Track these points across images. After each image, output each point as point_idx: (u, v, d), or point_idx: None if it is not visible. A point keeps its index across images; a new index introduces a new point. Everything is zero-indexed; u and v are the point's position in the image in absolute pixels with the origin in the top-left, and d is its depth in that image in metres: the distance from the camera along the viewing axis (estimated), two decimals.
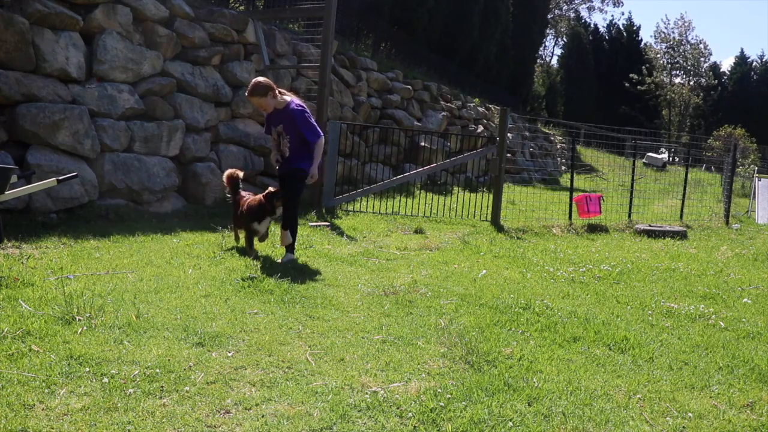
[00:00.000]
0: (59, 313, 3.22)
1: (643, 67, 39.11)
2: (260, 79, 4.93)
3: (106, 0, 6.53)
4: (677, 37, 42.58)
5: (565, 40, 40.21)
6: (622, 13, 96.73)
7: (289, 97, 4.97)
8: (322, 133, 4.96)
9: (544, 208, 9.61)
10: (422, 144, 12.65)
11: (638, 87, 38.23)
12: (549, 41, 43.44)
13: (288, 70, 9.39)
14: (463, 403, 2.59)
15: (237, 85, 8.36)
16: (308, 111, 4.97)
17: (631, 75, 38.28)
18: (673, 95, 39.89)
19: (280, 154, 5.05)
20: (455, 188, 12.46)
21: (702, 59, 42.49)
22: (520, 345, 3.38)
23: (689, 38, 42.72)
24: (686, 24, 43.03)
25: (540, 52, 35.43)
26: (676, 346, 3.62)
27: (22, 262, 4.32)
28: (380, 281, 4.69)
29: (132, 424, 2.25)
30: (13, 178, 4.51)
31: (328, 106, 8.63)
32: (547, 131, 22.86)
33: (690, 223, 10.14)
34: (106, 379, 2.56)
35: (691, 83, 41.83)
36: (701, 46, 42.63)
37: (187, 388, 2.55)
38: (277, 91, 4.95)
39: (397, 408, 2.52)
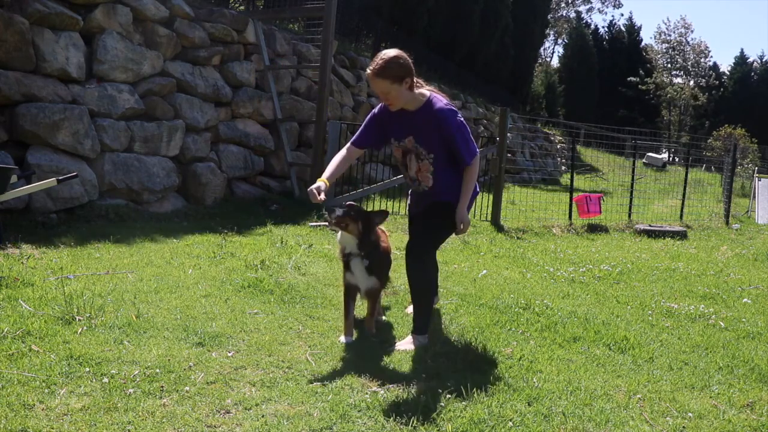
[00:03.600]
0: (59, 313, 3.22)
1: (647, 65, 39.15)
2: (393, 53, 3.07)
3: (106, 0, 6.53)
4: (678, 38, 42.59)
5: (566, 40, 40.22)
6: (622, 14, 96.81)
7: (428, 92, 3.22)
8: (477, 150, 3.24)
9: (544, 208, 9.61)
10: None
11: (640, 87, 38.25)
12: (549, 41, 43.45)
13: (288, 70, 9.39)
14: (463, 403, 2.59)
15: (237, 85, 8.36)
16: (461, 115, 3.22)
17: (630, 78, 38.29)
18: (674, 95, 39.88)
19: (411, 180, 3.36)
20: None
21: (702, 60, 42.51)
22: (520, 345, 3.38)
23: (689, 39, 42.73)
24: (687, 25, 43.04)
25: (540, 52, 35.40)
26: (676, 346, 3.62)
27: (22, 262, 4.32)
28: None
29: (132, 424, 2.25)
30: (13, 178, 4.52)
31: (328, 106, 8.63)
32: (547, 131, 22.85)
33: (690, 223, 10.14)
34: (106, 379, 2.56)
35: (691, 83, 41.84)
36: (701, 47, 42.65)
37: (187, 388, 2.54)
38: (414, 82, 3.15)
39: (397, 408, 2.52)
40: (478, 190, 3.44)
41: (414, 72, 3.11)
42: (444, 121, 3.11)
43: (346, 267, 3.29)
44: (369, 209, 3.68)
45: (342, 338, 3.26)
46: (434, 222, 3.28)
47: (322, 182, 3.12)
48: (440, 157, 3.19)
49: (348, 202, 3.26)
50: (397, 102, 3.13)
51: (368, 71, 3.08)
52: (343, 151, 3.35)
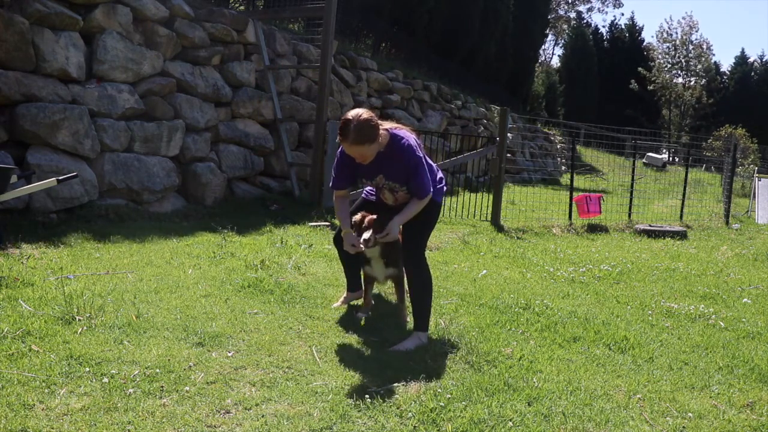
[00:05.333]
0: (59, 313, 3.22)
1: (651, 63, 39.13)
2: (365, 115, 3.10)
3: (106, 0, 6.53)
4: (682, 37, 42.44)
5: (566, 40, 40.21)
6: (623, 14, 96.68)
7: (387, 130, 3.27)
8: (431, 189, 3.33)
9: (544, 208, 9.61)
10: (422, 144, 12.64)
11: (649, 87, 38.23)
12: (549, 41, 43.46)
13: (288, 70, 9.39)
14: (463, 403, 2.59)
15: (237, 85, 8.36)
16: (421, 147, 3.35)
17: (639, 69, 38.18)
18: (683, 92, 39.76)
19: (387, 203, 3.54)
20: (455, 188, 12.46)
21: (704, 59, 42.44)
22: (520, 345, 3.38)
23: (692, 38, 42.60)
24: (693, 24, 42.82)
25: (540, 52, 35.40)
26: (676, 346, 3.62)
27: (22, 262, 4.32)
28: None
29: (132, 424, 2.25)
30: (13, 178, 4.52)
31: (328, 106, 8.63)
32: (547, 131, 22.85)
33: (690, 223, 10.14)
34: (106, 379, 2.56)
35: (692, 82, 41.79)
36: (704, 46, 42.58)
37: (187, 388, 2.55)
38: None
39: (397, 408, 2.52)
40: (443, 189, 3.52)
41: (377, 121, 3.17)
42: (406, 154, 3.21)
43: (366, 262, 3.61)
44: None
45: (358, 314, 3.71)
46: (423, 223, 3.40)
47: (350, 231, 3.36)
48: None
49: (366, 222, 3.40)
50: (371, 157, 3.20)
51: (342, 140, 3.11)
52: (338, 200, 3.48)
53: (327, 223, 7.06)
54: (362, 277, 3.81)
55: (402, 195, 3.39)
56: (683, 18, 51.19)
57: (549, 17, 33.13)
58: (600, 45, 40.83)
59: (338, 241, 3.70)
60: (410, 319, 3.55)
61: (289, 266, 4.83)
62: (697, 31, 50.00)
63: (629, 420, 2.59)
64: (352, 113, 3.12)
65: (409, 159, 3.21)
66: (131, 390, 2.48)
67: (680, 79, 42.02)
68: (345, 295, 3.98)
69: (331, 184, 3.45)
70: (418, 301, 3.38)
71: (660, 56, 42.29)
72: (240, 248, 5.40)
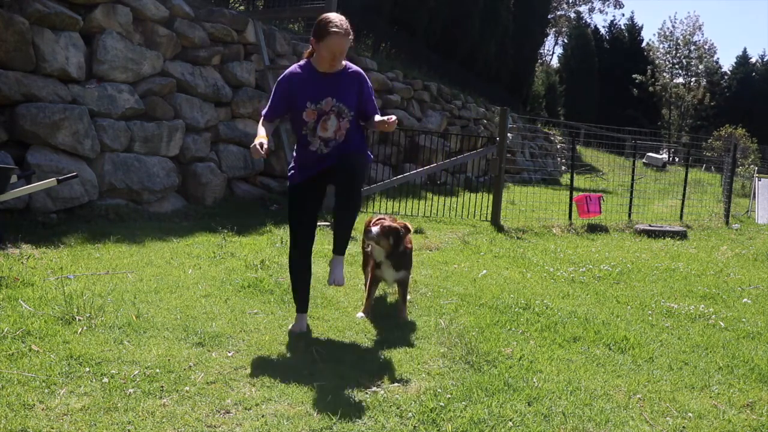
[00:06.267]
0: (59, 313, 3.22)
1: (648, 68, 39.11)
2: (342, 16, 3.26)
3: (106, 0, 6.53)
4: (686, 37, 42.32)
5: (566, 40, 40.24)
6: (623, 14, 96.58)
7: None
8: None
9: (544, 208, 9.61)
10: (422, 144, 12.65)
11: (649, 89, 38.21)
12: (549, 41, 43.48)
13: None
14: (463, 403, 2.59)
15: (237, 85, 8.36)
16: None
17: (634, 76, 38.16)
18: (684, 94, 39.69)
19: (323, 141, 3.30)
20: (455, 188, 12.46)
21: (706, 59, 42.41)
22: (520, 345, 3.38)
23: (695, 39, 42.51)
24: (698, 25, 42.72)
25: (540, 52, 35.42)
26: (676, 346, 3.62)
27: (22, 262, 4.32)
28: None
29: (132, 424, 2.25)
30: (13, 178, 4.52)
31: None
32: (547, 131, 22.84)
33: (690, 223, 10.14)
34: (106, 379, 2.56)
35: (692, 82, 41.76)
36: (706, 46, 42.55)
37: (187, 388, 2.55)
38: None
39: (397, 408, 2.52)
40: (371, 156, 3.57)
41: None
42: (364, 79, 3.32)
43: (377, 266, 3.74)
44: (374, 211, 3.98)
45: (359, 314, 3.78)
46: (360, 173, 3.27)
47: (264, 139, 3.19)
48: (355, 115, 3.31)
49: (379, 222, 3.66)
50: (341, 57, 3.20)
51: (337, 30, 3.10)
52: (264, 124, 3.36)
53: (327, 223, 7.06)
54: (368, 278, 3.86)
55: (345, 124, 3.26)
56: (686, 17, 51.06)
57: (549, 17, 33.14)
58: (600, 45, 40.85)
59: (293, 265, 3.55)
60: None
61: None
62: (702, 34, 49.87)
63: (629, 420, 2.59)
64: (334, 14, 3.20)
65: (367, 81, 3.33)
66: (131, 390, 2.48)
67: (681, 79, 41.98)
68: (294, 323, 3.46)
69: (264, 112, 3.37)
70: (344, 234, 3.34)
71: (660, 56, 42.25)
72: (240, 248, 5.40)
